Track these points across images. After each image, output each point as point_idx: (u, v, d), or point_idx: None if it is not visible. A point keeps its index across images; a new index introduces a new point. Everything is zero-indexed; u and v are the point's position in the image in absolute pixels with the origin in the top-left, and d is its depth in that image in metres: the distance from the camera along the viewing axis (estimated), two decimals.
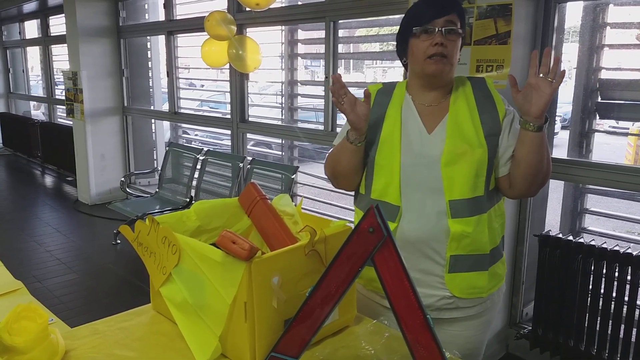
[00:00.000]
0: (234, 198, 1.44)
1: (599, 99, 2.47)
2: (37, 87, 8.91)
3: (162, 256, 1.23)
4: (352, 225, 1.26)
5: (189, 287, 1.18)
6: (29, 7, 6.94)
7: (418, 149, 1.36)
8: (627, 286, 2.17)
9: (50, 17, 7.13)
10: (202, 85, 7.33)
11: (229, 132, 4.44)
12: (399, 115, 1.40)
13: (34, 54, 8.34)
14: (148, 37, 5.52)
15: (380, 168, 1.39)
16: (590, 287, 2.26)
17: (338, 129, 3.51)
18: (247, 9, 3.71)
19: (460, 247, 1.34)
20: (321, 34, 3.50)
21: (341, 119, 3.71)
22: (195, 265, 1.14)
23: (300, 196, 3.87)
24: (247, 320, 1.07)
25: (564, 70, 1.25)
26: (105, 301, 3.41)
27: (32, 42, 7.96)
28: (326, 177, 1.53)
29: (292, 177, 3.55)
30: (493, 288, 1.43)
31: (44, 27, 7.27)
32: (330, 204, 3.88)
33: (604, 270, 2.21)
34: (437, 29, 1.31)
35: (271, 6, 3.47)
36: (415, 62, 1.38)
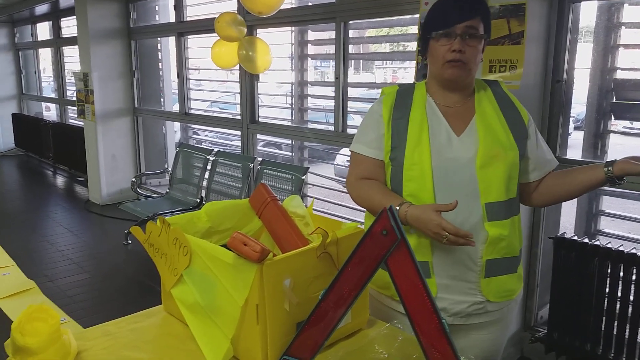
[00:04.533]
0: (244, 199, 1.43)
1: (614, 100, 2.44)
2: (48, 89, 8.99)
3: (173, 257, 1.23)
4: (361, 226, 1.26)
5: (200, 289, 1.17)
6: (41, 9, 7.01)
7: (448, 153, 1.33)
8: None
9: (61, 19, 7.19)
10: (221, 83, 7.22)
11: (238, 133, 4.44)
12: (425, 117, 1.37)
13: (45, 55, 8.42)
14: (158, 39, 5.54)
15: (410, 173, 1.34)
16: (607, 290, 2.22)
17: (348, 130, 3.50)
18: None
19: (496, 251, 1.33)
20: (331, 34, 3.49)
21: (351, 120, 3.70)
22: (206, 266, 1.13)
23: (311, 197, 3.86)
24: (259, 323, 1.06)
25: None
26: (116, 301, 3.42)
27: (44, 43, 8.03)
28: (344, 188, 1.52)
29: (303, 178, 3.54)
30: (518, 289, 1.43)
31: (56, 29, 7.33)
32: (341, 205, 3.87)
33: (621, 273, 2.18)
34: (457, 35, 1.29)
35: (281, 7, 3.46)
36: (434, 65, 1.37)
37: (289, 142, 4.36)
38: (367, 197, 1.40)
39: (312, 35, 3.99)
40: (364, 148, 1.43)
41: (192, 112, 5.09)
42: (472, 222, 1.31)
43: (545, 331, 2.48)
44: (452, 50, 1.29)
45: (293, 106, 4.05)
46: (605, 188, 2.50)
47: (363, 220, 1.55)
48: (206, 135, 6.01)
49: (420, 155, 1.33)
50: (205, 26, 4.48)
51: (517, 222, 1.38)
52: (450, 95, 1.39)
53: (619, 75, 2.42)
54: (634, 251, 2.17)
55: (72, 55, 7.10)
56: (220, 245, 1.15)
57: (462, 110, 1.38)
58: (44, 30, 8.11)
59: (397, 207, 1.29)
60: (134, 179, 5.27)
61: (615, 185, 1.29)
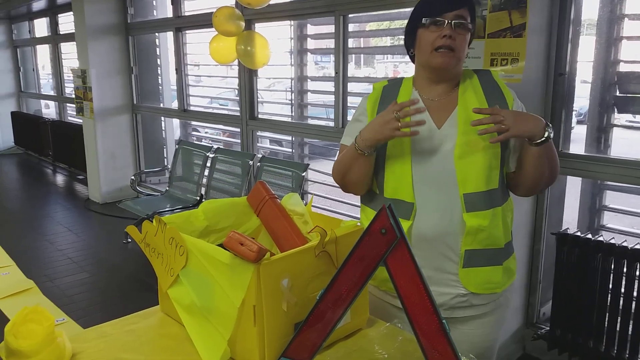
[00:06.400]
0: (242, 197, 1.41)
1: (617, 93, 2.41)
2: (48, 86, 8.97)
3: (170, 257, 1.21)
4: (359, 224, 1.24)
5: (196, 290, 1.15)
6: (38, 5, 6.98)
7: (428, 145, 1.34)
8: None
9: (59, 15, 7.16)
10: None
11: (238, 129, 4.41)
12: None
13: (44, 52, 8.39)
14: (156, 34, 5.51)
15: (392, 166, 1.37)
16: (610, 286, 2.20)
17: None
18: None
19: (476, 242, 1.32)
20: (331, 28, 3.46)
21: (351, 115, 3.66)
22: (203, 267, 1.11)
23: (311, 194, 3.84)
24: (256, 324, 1.04)
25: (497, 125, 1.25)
26: (116, 300, 3.41)
27: (42, 40, 8.00)
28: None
29: (303, 174, 3.52)
30: (506, 283, 1.41)
31: (53, 25, 7.30)
32: (342, 202, 3.85)
33: (625, 269, 2.16)
34: (446, 22, 1.30)
35: (280, 1, 3.43)
36: (422, 54, 1.36)
37: (290, 138, 4.33)
38: (337, 166, 1.44)
39: (311, 29, 3.95)
40: (348, 139, 1.46)
41: (191, 108, 5.06)
42: (451, 213, 1.32)
43: (548, 328, 2.46)
44: (443, 36, 1.30)
45: (293, 102, 4.02)
46: (608, 182, 2.49)
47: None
48: (206, 132, 5.98)
49: (400, 148, 1.35)
50: (203, 21, 4.44)
51: (500, 214, 1.35)
52: (436, 88, 1.40)
53: (622, 68, 2.39)
54: (637, 247, 2.14)
55: (70, 52, 7.08)
56: (217, 245, 1.13)
57: (445, 102, 1.38)
58: (41, 27, 8.08)
59: (356, 144, 1.33)
60: (133, 177, 5.25)
61: (541, 143, 1.27)
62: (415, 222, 1.33)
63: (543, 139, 1.25)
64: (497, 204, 1.34)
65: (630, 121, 3.51)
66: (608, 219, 2.60)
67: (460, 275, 1.34)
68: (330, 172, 1.51)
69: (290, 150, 4.38)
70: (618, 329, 2.20)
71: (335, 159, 1.52)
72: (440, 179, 1.32)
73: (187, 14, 4.83)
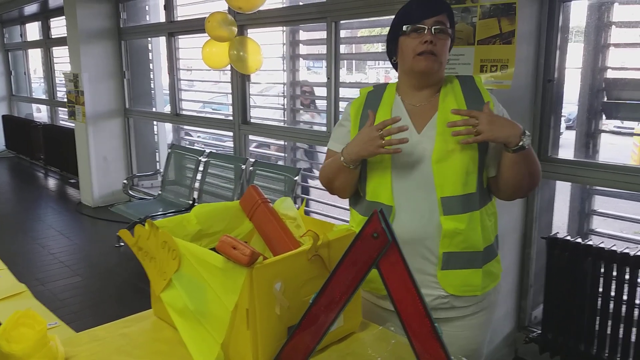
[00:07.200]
0: (235, 201, 1.42)
1: (605, 99, 2.44)
2: (40, 90, 8.92)
3: (162, 261, 1.21)
4: (349, 225, 1.26)
5: (189, 293, 1.15)
6: (30, 9, 6.95)
7: (408, 149, 1.36)
8: (638, 289, 2.14)
9: (51, 20, 7.13)
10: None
11: (231, 134, 4.42)
12: (389, 116, 1.41)
13: (35, 56, 8.35)
14: (149, 39, 5.50)
15: (372, 170, 1.40)
16: (601, 289, 2.22)
17: None
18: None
19: (453, 244, 1.34)
20: (323, 34, 3.48)
21: None
22: (195, 271, 1.12)
23: (304, 197, 3.85)
24: (249, 328, 1.04)
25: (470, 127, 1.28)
26: (109, 304, 3.40)
27: (34, 44, 7.96)
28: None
29: (295, 179, 3.53)
30: (488, 287, 1.42)
31: (45, 29, 7.27)
32: (334, 206, 3.86)
33: (614, 273, 2.18)
34: (426, 28, 1.34)
35: (272, 7, 3.45)
36: (405, 60, 1.40)
37: (282, 143, 4.34)
38: (324, 172, 1.49)
39: (303, 35, 3.97)
40: (334, 144, 1.52)
41: (184, 112, 5.05)
42: (430, 216, 1.34)
43: (540, 331, 2.48)
44: (424, 42, 1.33)
45: (285, 107, 4.03)
46: (598, 187, 2.52)
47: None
48: (199, 137, 5.97)
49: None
50: (195, 26, 4.45)
51: (478, 217, 1.36)
52: (418, 94, 1.43)
53: (610, 74, 2.43)
54: (626, 251, 2.17)
55: (62, 56, 7.05)
56: (210, 249, 1.14)
57: (426, 108, 1.41)
58: (33, 31, 8.04)
59: (342, 157, 1.37)
60: (125, 181, 5.23)
61: (517, 150, 1.27)
62: (394, 224, 1.35)
63: (518, 146, 1.27)
64: (474, 207, 1.36)
65: (618, 127, 3.55)
66: (597, 224, 2.63)
67: (438, 277, 1.36)
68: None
69: (283, 154, 4.39)
70: (609, 332, 2.22)
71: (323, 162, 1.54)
72: (418, 183, 1.35)
73: (179, 19, 4.84)
